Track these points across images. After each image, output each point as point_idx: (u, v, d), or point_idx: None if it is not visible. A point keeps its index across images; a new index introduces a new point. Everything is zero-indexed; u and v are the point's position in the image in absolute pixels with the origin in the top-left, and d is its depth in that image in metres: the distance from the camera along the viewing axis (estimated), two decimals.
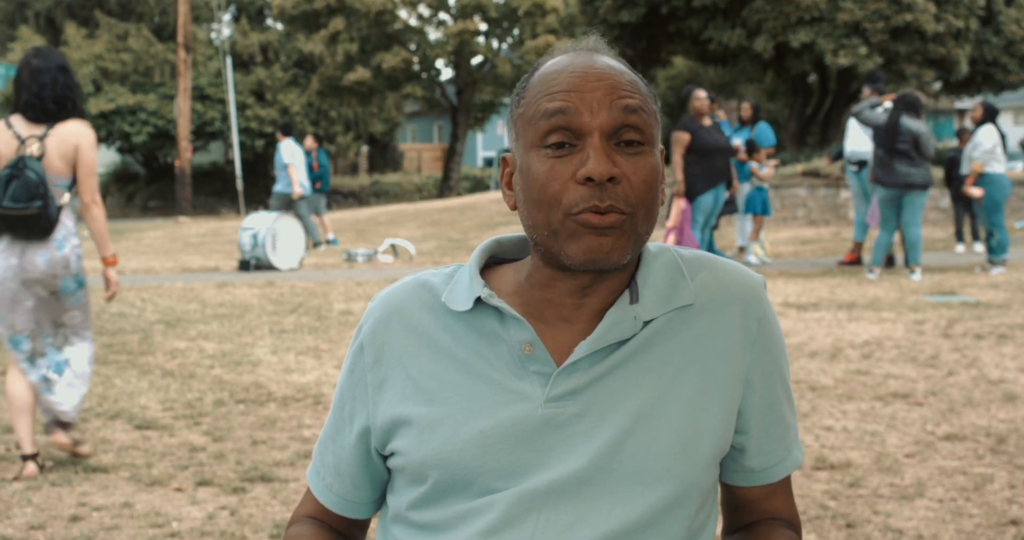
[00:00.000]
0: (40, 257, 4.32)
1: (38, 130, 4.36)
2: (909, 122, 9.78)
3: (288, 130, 15.41)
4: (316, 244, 15.51)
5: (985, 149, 10.38)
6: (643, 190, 1.23)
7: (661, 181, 1.26)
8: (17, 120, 4.38)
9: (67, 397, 4.44)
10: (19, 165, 4.27)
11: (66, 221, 4.41)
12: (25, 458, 4.37)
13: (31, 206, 4.25)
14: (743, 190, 11.75)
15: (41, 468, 4.38)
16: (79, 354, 4.50)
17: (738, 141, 11.61)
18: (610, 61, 1.27)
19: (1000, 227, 10.57)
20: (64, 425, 4.45)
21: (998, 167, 10.53)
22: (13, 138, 4.34)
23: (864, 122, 10.24)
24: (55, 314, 4.44)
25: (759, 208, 11.78)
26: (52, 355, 4.45)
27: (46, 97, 4.36)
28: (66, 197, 4.43)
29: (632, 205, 1.22)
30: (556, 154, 1.23)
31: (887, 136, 9.80)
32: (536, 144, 1.24)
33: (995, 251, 10.58)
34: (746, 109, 12.11)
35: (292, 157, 14.86)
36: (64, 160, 4.38)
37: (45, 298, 4.38)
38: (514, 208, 1.29)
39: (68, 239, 4.40)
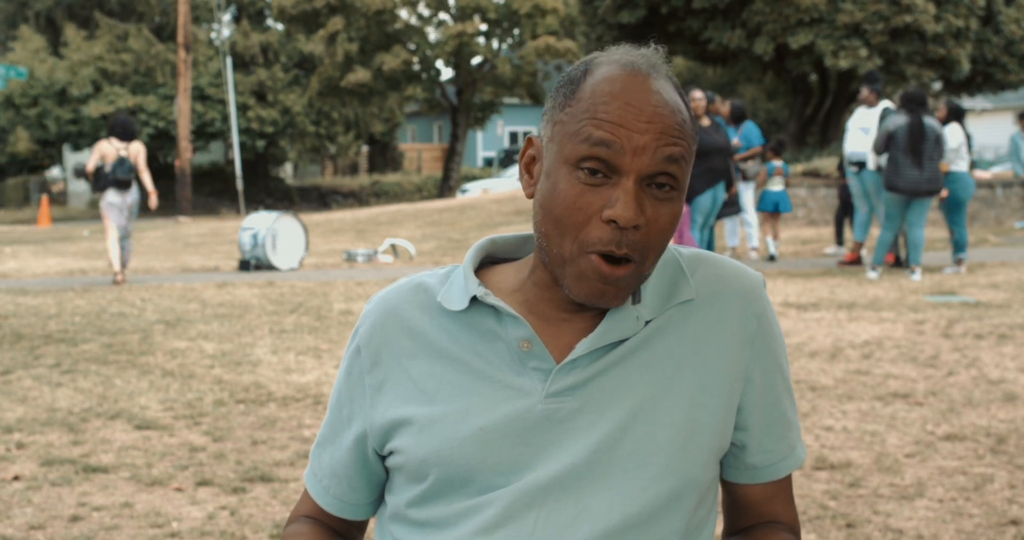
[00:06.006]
0: (130, 197, 10.90)
1: (123, 144, 10.86)
2: (932, 122, 9.72)
3: None
4: None
5: (950, 148, 10.37)
6: (660, 238, 1.23)
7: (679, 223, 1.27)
8: (113, 140, 10.89)
9: (128, 257, 11.35)
10: (123, 159, 10.75)
11: (134, 184, 11.07)
12: (116, 273, 11.02)
13: (130, 175, 10.77)
14: (742, 190, 11.73)
15: (124, 281, 11.13)
16: (130, 240, 11.36)
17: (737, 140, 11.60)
18: (666, 95, 1.23)
19: (960, 225, 10.53)
20: (123, 267, 11.27)
21: (963, 165, 10.53)
22: (114, 148, 10.79)
23: (886, 128, 9.94)
24: (128, 222, 10.99)
25: (783, 205, 11.92)
26: (125, 237, 11.10)
27: (125, 131, 11.03)
28: (132, 174, 10.95)
29: (644, 253, 1.22)
30: (588, 181, 1.21)
31: (912, 137, 9.66)
32: (571, 162, 1.22)
33: (957, 249, 10.55)
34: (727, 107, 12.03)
35: None
36: (132, 157, 10.87)
37: (127, 214, 10.91)
38: (531, 196, 1.28)
39: (135, 191, 10.97)
